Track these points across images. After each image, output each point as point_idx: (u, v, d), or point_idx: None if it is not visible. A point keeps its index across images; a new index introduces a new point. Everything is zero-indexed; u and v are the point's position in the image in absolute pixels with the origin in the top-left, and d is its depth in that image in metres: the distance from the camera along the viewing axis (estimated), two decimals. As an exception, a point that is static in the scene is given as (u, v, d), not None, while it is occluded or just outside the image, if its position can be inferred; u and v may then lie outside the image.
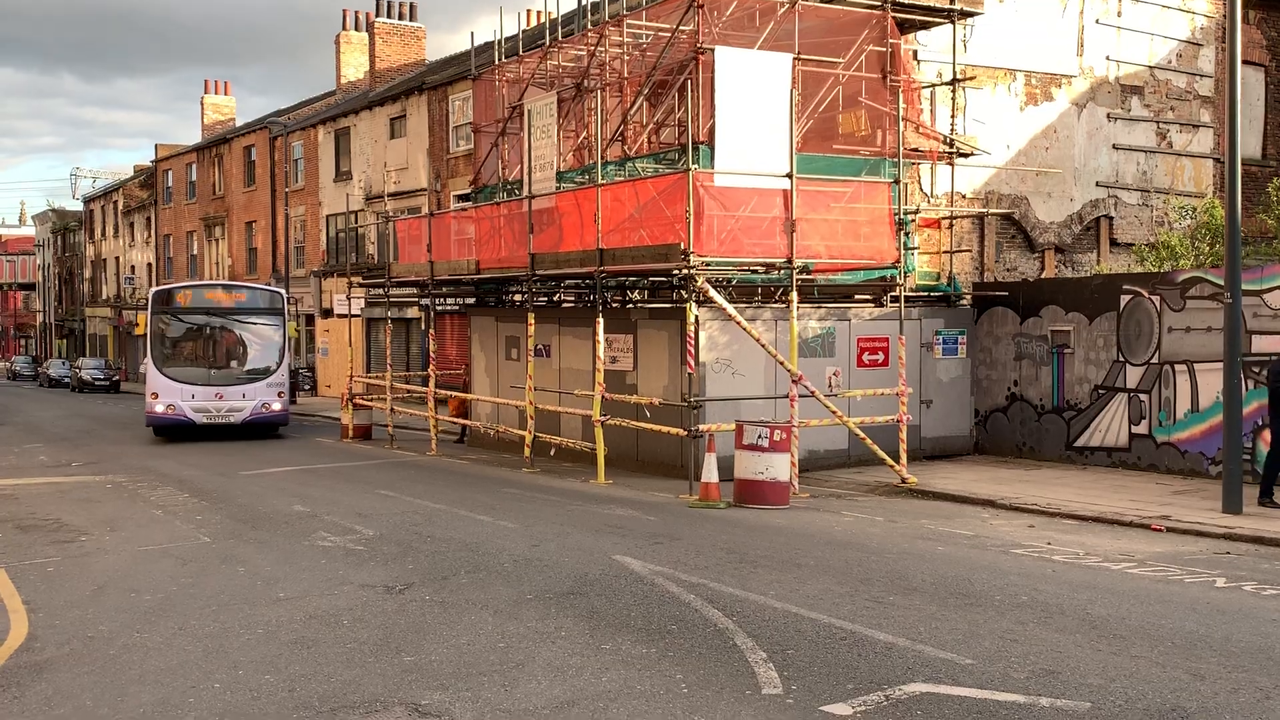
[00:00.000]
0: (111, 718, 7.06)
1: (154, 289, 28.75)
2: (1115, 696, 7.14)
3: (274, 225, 48.04)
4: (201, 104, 62.63)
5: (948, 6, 21.59)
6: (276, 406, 27.71)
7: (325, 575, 11.12)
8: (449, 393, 26.25)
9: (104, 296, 71.81)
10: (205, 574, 11.39)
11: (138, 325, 29.99)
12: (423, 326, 33.53)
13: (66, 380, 60.51)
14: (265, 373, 27.94)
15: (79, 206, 78.65)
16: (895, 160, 18.64)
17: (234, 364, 28.23)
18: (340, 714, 7.00)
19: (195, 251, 56.49)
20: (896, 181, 18.44)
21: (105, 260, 72.04)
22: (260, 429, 27.94)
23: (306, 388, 44.66)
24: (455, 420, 25.47)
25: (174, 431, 27.45)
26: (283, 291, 30.46)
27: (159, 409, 26.77)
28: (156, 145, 64.60)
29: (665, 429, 17.61)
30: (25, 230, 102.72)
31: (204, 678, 7.81)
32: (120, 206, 68.67)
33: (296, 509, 15.63)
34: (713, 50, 18.11)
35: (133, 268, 65.43)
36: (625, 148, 21.33)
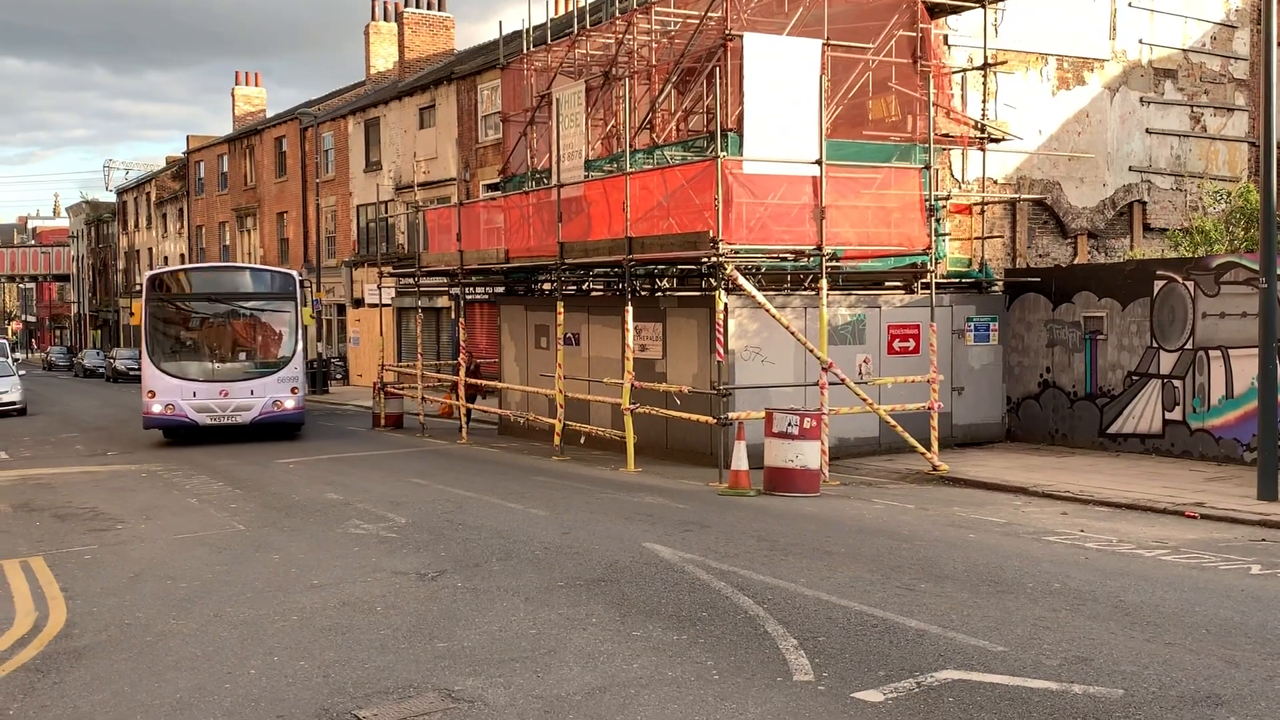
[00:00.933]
0: (149, 703, 7.15)
1: (149, 273, 25.28)
2: (1148, 683, 7.11)
3: (305, 216, 48.29)
4: (232, 95, 62.98)
5: (978, -10, 21.41)
6: (290, 404, 24.21)
7: (358, 562, 11.21)
8: (476, 381, 26.31)
9: (137, 287, 72.41)
10: (240, 561, 11.50)
11: (133, 314, 26.90)
12: (453, 316, 33.64)
13: (101, 370, 61.12)
14: (277, 366, 24.56)
15: (112, 198, 79.33)
16: (926, 146, 18.54)
17: (241, 357, 24.84)
18: (374, 699, 7.07)
19: (227, 242, 56.89)
20: (927, 167, 18.34)
21: (139, 251, 72.65)
22: (271, 430, 24.77)
23: (339, 377, 44.99)
24: (483, 409, 25.56)
25: (175, 433, 24.62)
26: (295, 274, 25.96)
27: (156, 409, 23.44)
28: (188, 137, 65.03)
29: (695, 417, 17.62)
30: (59, 222, 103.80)
31: (239, 664, 7.89)
32: (153, 198, 69.22)
33: (330, 497, 15.74)
34: (741, 37, 18.05)
35: (165, 259, 65.94)
36: (654, 136, 21.31)
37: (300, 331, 24.92)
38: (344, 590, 10.03)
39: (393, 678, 7.49)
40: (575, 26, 23.59)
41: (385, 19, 49.49)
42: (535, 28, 26.13)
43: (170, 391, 23.47)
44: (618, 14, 22.64)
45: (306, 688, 7.34)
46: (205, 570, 11.10)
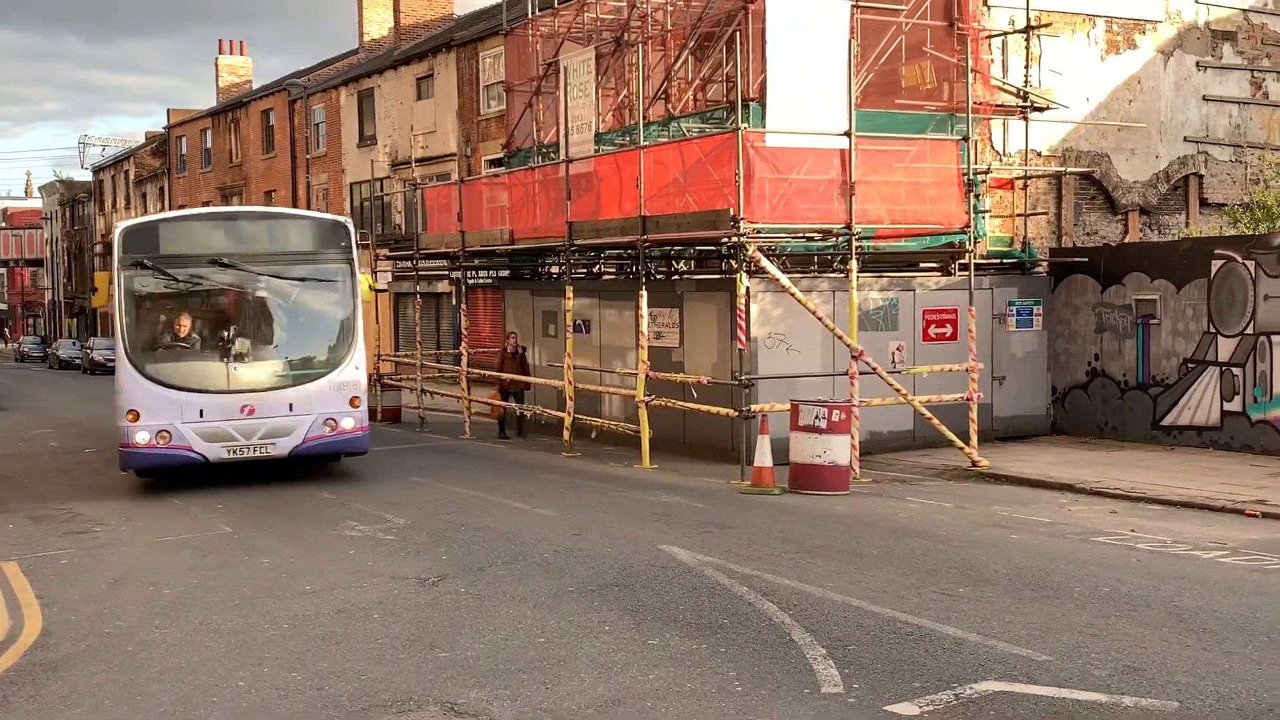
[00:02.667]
0: (131, 717, 7.20)
1: (121, 224, 17.38)
2: (1206, 695, 7.10)
3: (295, 194, 48.41)
4: (215, 66, 63.07)
5: (1020, -53, 21.33)
6: (349, 423, 16.88)
7: (354, 567, 11.25)
8: (489, 372, 26.33)
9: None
10: (227, 566, 11.56)
11: (96, 290, 19.73)
12: (454, 301, 33.71)
13: (78, 361, 61.28)
14: (328, 365, 17.14)
15: (88, 177, 79.55)
16: (964, 116, 18.47)
17: (272, 352, 17.29)
18: (372, 713, 7.10)
19: (211, 223, 57.00)
20: (965, 139, 18.28)
21: (116, 234, 72.84)
22: (321, 461, 18.05)
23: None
24: (488, 402, 25.60)
25: (173, 475, 17.02)
26: (348, 221, 18.20)
27: (141, 438, 15.97)
28: (169, 110, 65.18)
29: (714, 409, 17.62)
30: (32, 203, 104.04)
31: (227, 675, 7.94)
32: (132, 176, 69.40)
33: (323, 496, 15.80)
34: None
35: (145, 241, 66.15)
36: (669, 106, 21.29)
37: (359, 311, 17.47)
38: (339, 596, 10.08)
39: (391, 690, 7.52)
40: (584, -11, 23.56)
41: (379, -18, 49.44)
42: (541, -10, 26.10)
43: (162, 410, 16.04)
44: (630, -25, 22.60)
45: (299, 701, 7.38)
46: (190, 575, 11.16)
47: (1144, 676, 7.48)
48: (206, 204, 57.15)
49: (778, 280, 16.97)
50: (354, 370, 17.09)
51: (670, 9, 22.18)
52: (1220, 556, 11.35)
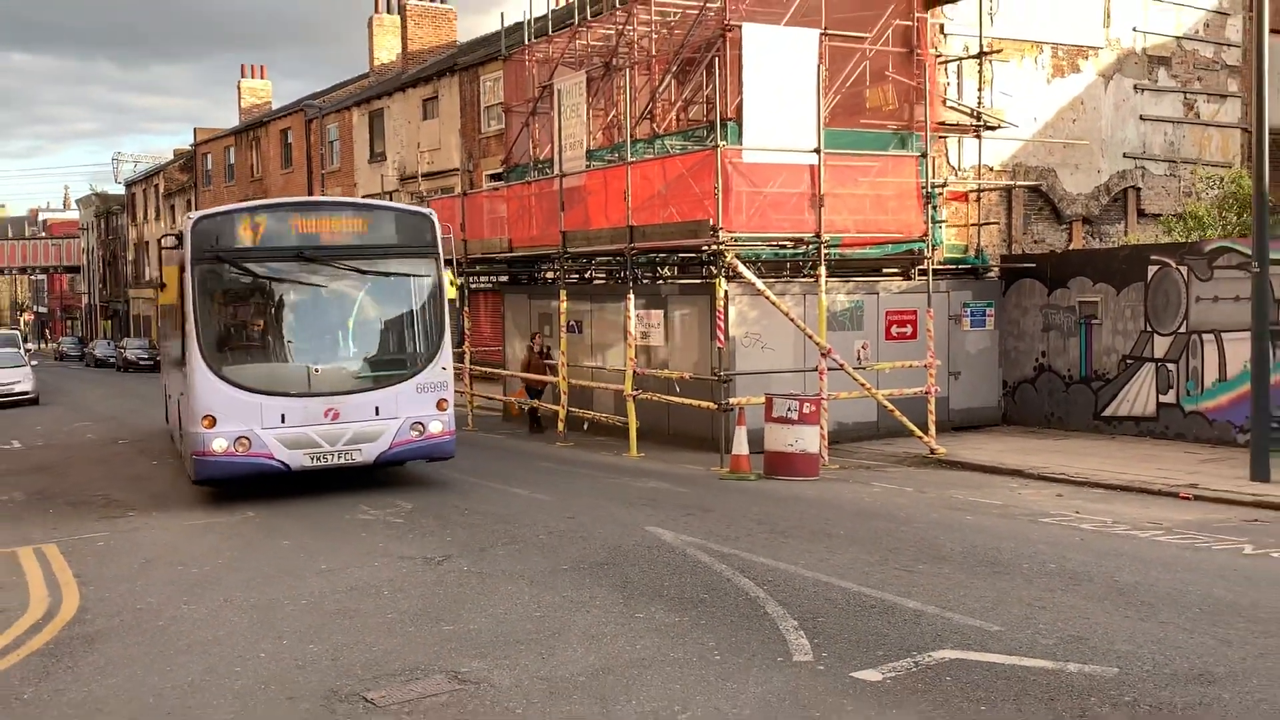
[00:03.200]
0: (161, 686, 7.18)
1: (193, 216, 14.89)
2: (1143, 662, 7.13)
3: (311, 206, 48.14)
4: (238, 88, 62.82)
5: (974, -20, 21.34)
6: (436, 426, 14.90)
7: (366, 548, 11.23)
8: (516, 374, 26.29)
9: (147, 278, 72.36)
10: (250, 547, 11.52)
11: (163, 288, 18.89)
12: (457, 305, 33.62)
13: (112, 360, 61.21)
14: (412, 365, 15.06)
15: (121, 190, 79.23)
16: (922, 134, 18.49)
17: (354, 351, 15.12)
18: (382, 681, 7.09)
19: (234, 233, 56.74)
20: (924, 155, 18.32)
21: (148, 242, 72.55)
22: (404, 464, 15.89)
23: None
24: (487, 396, 25.55)
25: (248, 483, 14.62)
26: (432, 214, 15.83)
27: (219, 445, 13.76)
28: (195, 129, 64.90)
29: (696, 403, 17.62)
30: (69, 214, 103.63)
31: (250, 647, 7.92)
32: (161, 190, 69.11)
33: (337, 484, 15.75)
34: (740, 27, 18.02)
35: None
36: (654, 125, 21.27)
37: (446, 307, 15.51)
38: (352, 575, 10.06)
39: (400, 660, 7.51)
40: (576, 17, 23.54)
41: (389, 11, 49.32)
42: (536, 19, 26.05)
43: (241, 415, 13.89)
44: (618, 5, 22.58)
45: (316, 670, 7.37)
46: (216, 556, 11.13)
47: (1087, 645, 7.51)
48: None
49: (753, 284, 16.99)
50: (441, 371, 15.00)
51: (655, 36, 22.15)
52: (1156, 535, 11.39)
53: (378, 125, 43.61)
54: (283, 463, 13.99)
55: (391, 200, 39.96)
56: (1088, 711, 6.30)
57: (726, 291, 17.25)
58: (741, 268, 16.87)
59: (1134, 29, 25.03)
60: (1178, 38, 25.78)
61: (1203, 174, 25.28)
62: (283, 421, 13.98)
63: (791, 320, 17.14)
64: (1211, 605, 8.47)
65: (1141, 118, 25.39)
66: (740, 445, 15.78)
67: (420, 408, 14.77)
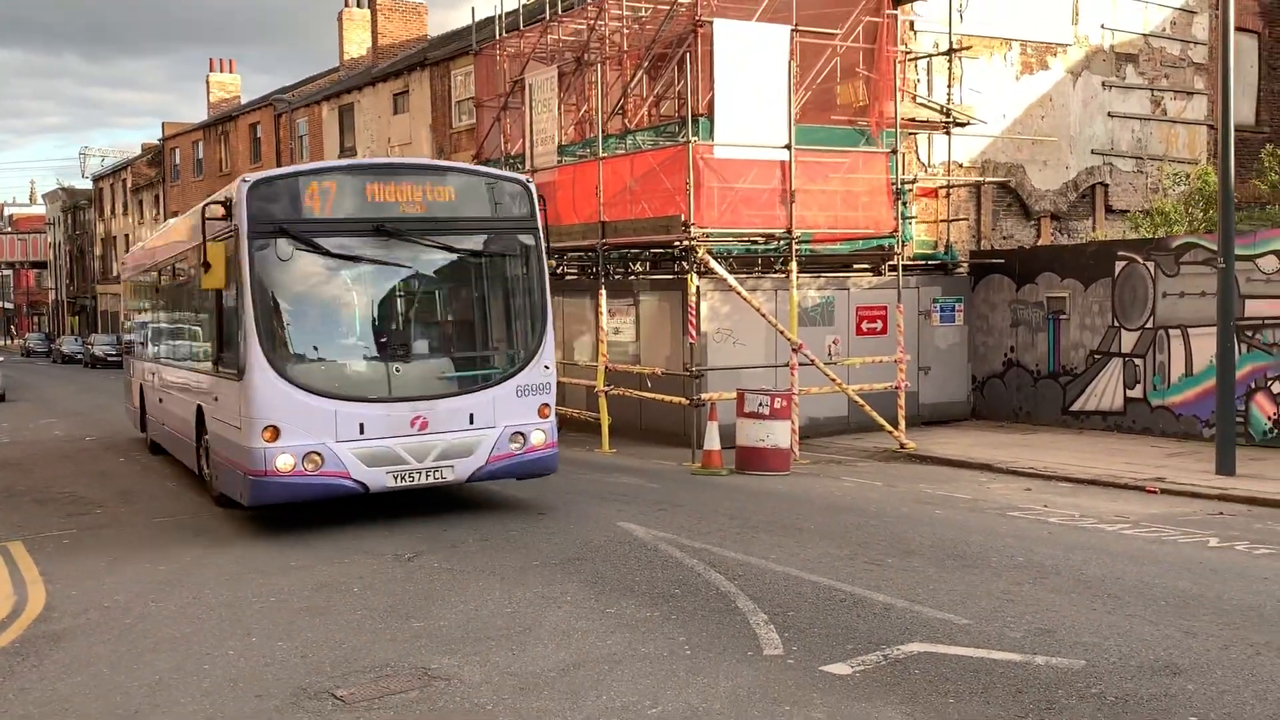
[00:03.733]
0: (128, 684, 7.12)
1: (250, 179, 11.82)
2: (1109, 654, 7.18)
3: (280, 201, 47.81)
4: (207, 83, 62.32)
5: (944, -23, 21.43)
6: (538, 437, 12.41)
7: (335, 544, 11.16)
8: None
9: (114, 274, 71.73)
10: (218, 544, 11.44)
11: (207, 268, 12.10)
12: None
13: (79, 356, 60.69)
14: (511, 362, 12.60)
15: (88, 185, 78.51)
16: (893, 130, 18.56)
17: (444, 346, 12.85)
18: (351, 678, 7.06)
19: (203, 228, 56.26)
20: (894, 151, 18.38)
21: (115, 238, 71.99)
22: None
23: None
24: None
25: (310, 505, 12.17)
26: (531, 183, 13.17)
27: (284, 463, 11.31)
28: (163, 124, 64.34)
29: (668, 398, 17.63)
30: (36, 209, 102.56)
31: (218, 645, 7.86)
32: (129, 184, 68.55)
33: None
34: (711, 23, 18.01)
35: (142, 245, 65.38)
36: (625, 121, 21.25)
37: (548, 293, 12.94)
38: (321, 572, 10.00)
39: (370, 657, 7.48)
40: (547, 12, 23.47)
41: (358, 5, 49.06)
42: (508, 14, 25.97)
43: (311, 425, 11.33)
44: (589, 0, 22.54)
45: (284, 668, 7.32)
46: (184, 553, 11.04)
47: (1054, 637, 7.56)
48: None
49: (725, 280, 17.00)
50: (543, 370, 12.46)
51: (626, 32, 22.12)
52: (1123, 529, 11.48)
53: (348, 120, 43.37)
54: (360, 483, 11.46)
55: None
56: (1055, 703, 6.34)
57: (698, 287, 17.26)
58: (713, 263, 16.89)
59: (1102, 26, 25.21)
60: (1145, 35, 25.98)
61: (1169, 170, 25.52)
62: (361, 433, 11.42)
63: (763, 316, 17.17)
64: (1177, 598, 8.54)
65: (1109, 114, 25.58)
66: (712, 440, 15.79)
67: (520, 414, 12.23)
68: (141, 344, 20.04)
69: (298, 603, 8.94)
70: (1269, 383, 16.59)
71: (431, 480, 11.84)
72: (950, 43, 21.96)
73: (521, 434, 12.23)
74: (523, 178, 13.12)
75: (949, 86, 22.44)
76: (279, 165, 47.48)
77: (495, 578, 9.54)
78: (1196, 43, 26.78)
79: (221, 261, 11.68)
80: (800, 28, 19.07)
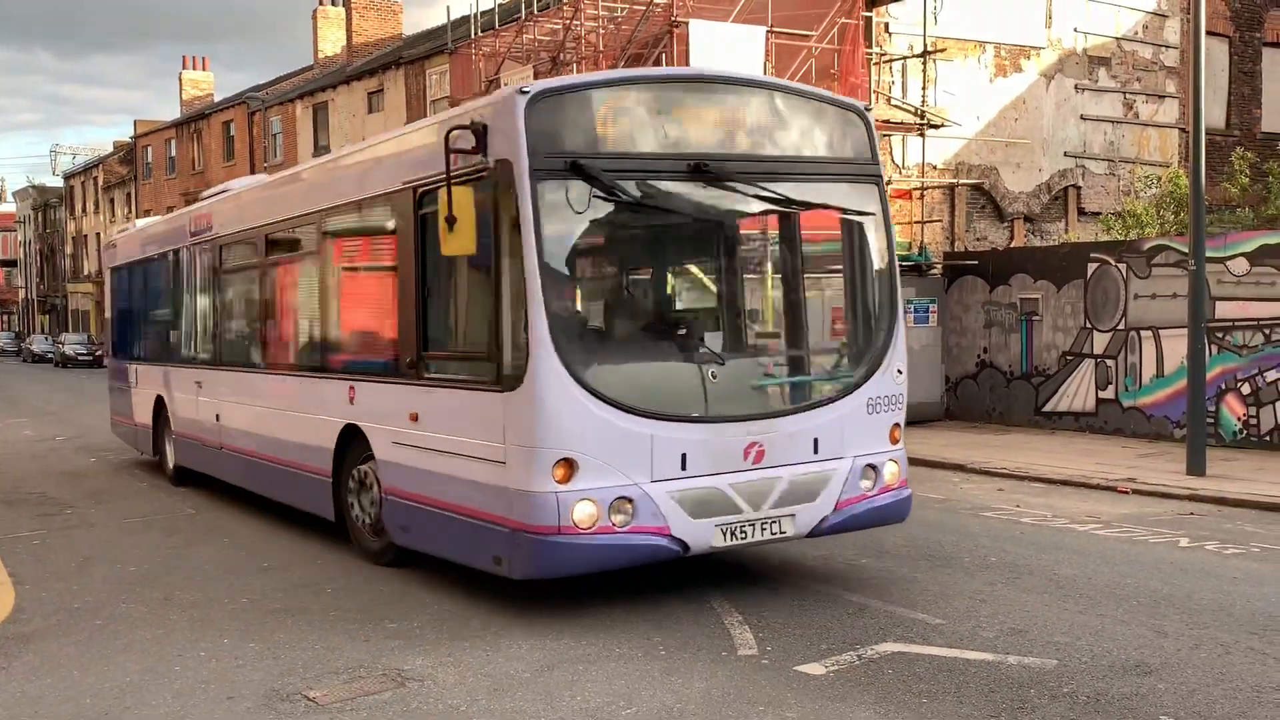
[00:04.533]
0: (98, 686, 7.06)
1: (529, 89, 7.72)
2: (1081, 654, 7.22)
3: (254, 200, 47.56)
4: (179, 80, 61.94)
5: (918, -21, 21.51)
6: (890, 471, 8.94)
7: (309, 545, 11.11)
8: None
9: (86, 272, 71.24)
10: (190, 545, 11.37)
11: (452, 224, 7.72)
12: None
13: (50, 356, 60.23)
14: (859, 365, 9.14)
15: (59, 183, 77.90)
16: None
17: (775, 340, 9.98)
18: (324, 679, 7.02)
19: (176, 227, 55.94)
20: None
21: (86, 236, 71.44)
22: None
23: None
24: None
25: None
26: (868, 112, 9.20)
27: (584, 513, 7.64)
28: (135, 121, 63.99)
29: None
30: (6, 207, 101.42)
31: (189, 646, 7.81)
32: (100, 182, 68.07)
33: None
34: (687, 23, 18.05)
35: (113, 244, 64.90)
36: (601, 121, 21.21)
37: (896, 270, 9.58)
38: (295, 573, 9.95)
39: (343, 658, 7.44)
40: (523, 12, 23.46)
41: (333, 3, 48.90)
42: (483, 13, 25.96)
43: (617, 455, 7.75)
44: (565, 0, 22.53)
45: (257, 669, 7.28)
46: (155, 554, 10.96)
47: (1027, 637, 7.60)
48: (170, 209, 54.87)
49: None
50: (895, 377, 9.00)
51: (603, 32, 22.13)
52: (1095, 529, 11.56)
53: (322, 118, 43.19)
54: (680, 542, 7.93)
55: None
56: (1027, 702, 6.37)
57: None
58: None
59: (1075, 29, 25.37)
60: (1117, 39, 26.17)
61: (1141, 173, 25.72)
62: (683, 468, 7.89)
63: (738, 316, 17.15)
64: (1148, 597, 8.61)
65: (1082, 117, 25.74)
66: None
67: (871, 439, 8.78)
68: (162, 345, 16.12)
69: (271, 604, 8.89)
70: (1239, 384, 16.74)
71: (766, 535, 8.29)
72: (925, 45, 22.06)
73: (874, 467, 8.76)
74: (860, 104, 9.28)
75: (923, 88, 22.55)
76: (252, 165, 47.11)
77: (471, 579, 9.49)
78: (1168, 46, 27.00)
79: (468, 216, 7.72)
80: (776, 29, 19.15)
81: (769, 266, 9.53)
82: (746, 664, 7.14)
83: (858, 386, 8.80)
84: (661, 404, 7.94)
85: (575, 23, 22.01)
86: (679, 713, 6.34)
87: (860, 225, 9.10)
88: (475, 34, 25.33)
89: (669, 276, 9.29)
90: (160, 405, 15.90)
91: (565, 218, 7.77)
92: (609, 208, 7.90)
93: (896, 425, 8.98)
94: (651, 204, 8.14)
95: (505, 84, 21.33)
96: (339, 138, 41.74)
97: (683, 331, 8.75)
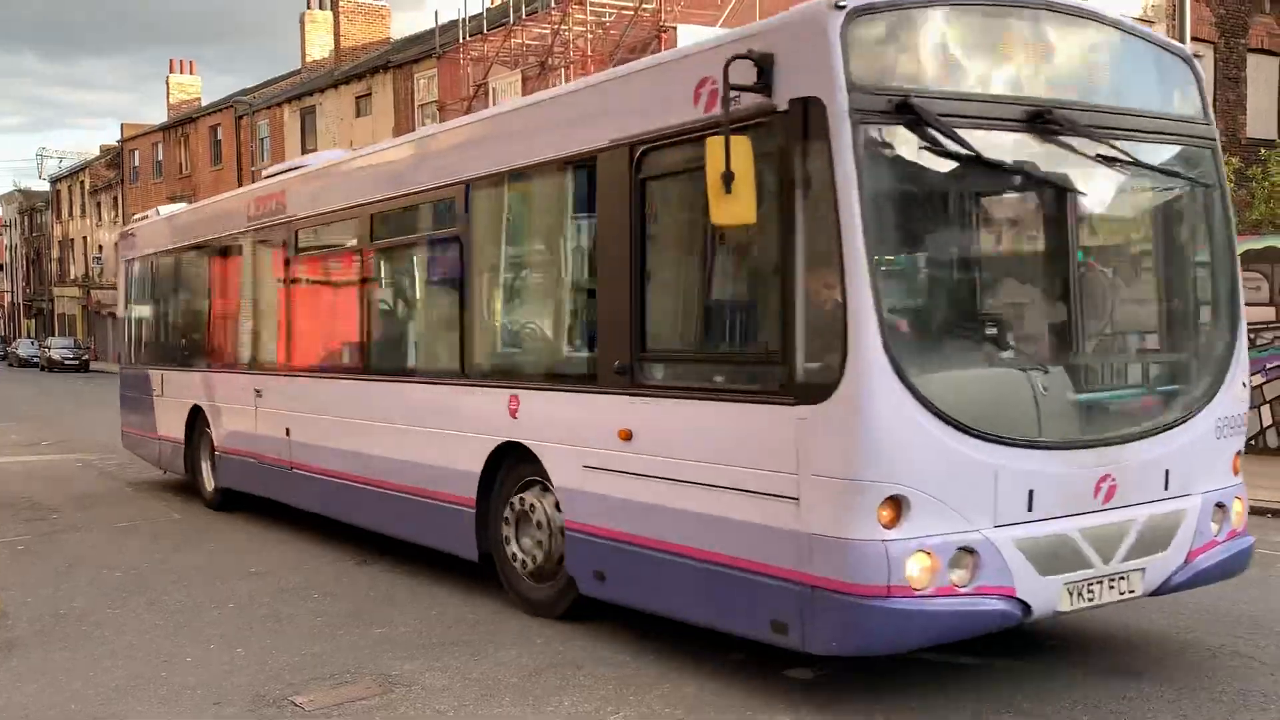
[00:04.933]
0: (84, 692, 7.03)
1: (844, 3, 5.69)
2: (1067, 656, 7.22)
3: (241, 204, 47.52)
4: (167, 84, 61.87)
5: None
6: (1237, 511, 6.99)
7: (295, 549, 11.09)
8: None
9: (72, 276, 71.04)
10: (177, 550, 11.33)
11: (729, 181, 5.68)
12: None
13: (35, 360, 60.06)
14: (1204, 376, 6.99)
15: (46, 186, 77.67)
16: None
17: (1122, 341, 7.34)
18: (311, 685, 7.00)
19: (163, 231, 55.87)
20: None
21: (73, 240, 71.25)
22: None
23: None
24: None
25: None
26: (1195, 60, 7.17)
27: (918, 568, 5.69)
28: (122, 125, 63.86)
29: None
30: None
31: (176, 651, 7.78)
32: (87, 186, 67.90)
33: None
34: (675, 28, 18.10)
35: (100, 247, 64.72)
36: (589, 125, 21.25)
37: (1235, 254, 7.39)
38: (281, 577, 9.92)
39: (330, 663, 7.42)
40: (511, 16, 23.49)
41: (321, 8, 48.91)
42: (471, 17, 25.96)
43: (955, 492, 5.79)
44: (553, 4, 22.56)
45: (243, 674, 7.26)
46: (142, 559, 10.92)
47: (1017, 640, 7.59)
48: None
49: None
50: (1240, 391, 7.15)
51: (590, 36, 22.17)
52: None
53: (310, 122, 43.17)
54: (1024, 604, 6.05)
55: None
56: (1014, 705, 6.38)
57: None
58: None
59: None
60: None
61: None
62: (1029, 509, 6.06)
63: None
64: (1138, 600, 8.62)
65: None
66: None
67: (1216, 469, 6.96)
68: (203, 347, 14.20)
69: (257, 609, 8.87)
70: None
71: (1114, 596, 6.43)
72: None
73: (1222, 506, 6.96)
74: (1185, 48, 7.47)
75: (911, 93, 22.63)
76: (240, 167, 47.06)
77: (459, 585, 9.49)
78: (1154, 52, 27.11)
79: (750, 174, 5.86)
80: (763, 34, 19.20)
81: (1118, 247, 7.57)
82: (736, 668, 7.13)
83: (1206, 403, 6.88)
84: (1007, 425, 6.06)
85: (563, 27, 22.05)
86: (668, 718, 6.34)
87: (1208, 201, 7.26)
88: (463, 38, 25.34)
89: (1009, 258, 7.13)
90: (196, 417, 13.94)
91: (896, 175, 6.06)
92: (949, 164, 6.04)
93: (1239, 454, 7.15)
94: (1002, 164, 6.25)
95: (494, 88, 21.33)
96: (327, 142, 41.72)
97: (1032, 331, 6.88)
